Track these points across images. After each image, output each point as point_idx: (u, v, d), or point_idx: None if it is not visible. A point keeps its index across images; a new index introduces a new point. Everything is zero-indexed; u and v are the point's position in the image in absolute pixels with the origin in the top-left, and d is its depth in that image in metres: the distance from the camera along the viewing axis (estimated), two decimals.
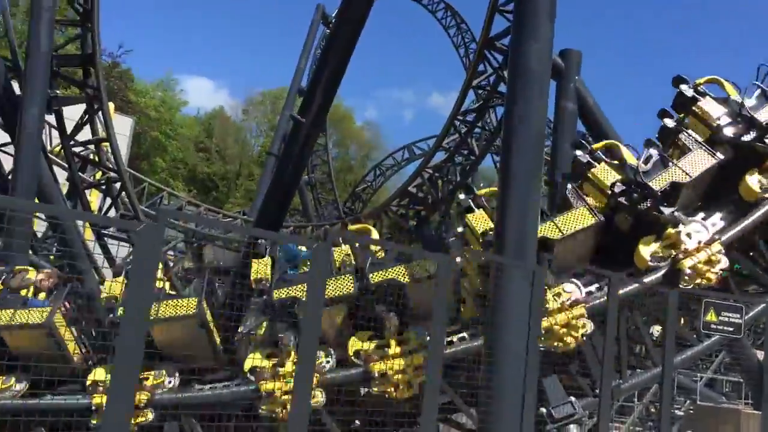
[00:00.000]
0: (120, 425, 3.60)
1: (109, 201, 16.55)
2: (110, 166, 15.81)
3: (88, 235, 17.17)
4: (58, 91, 14.81)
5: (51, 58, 13.57)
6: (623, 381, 9.09)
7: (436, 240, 16.66)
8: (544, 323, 7.80)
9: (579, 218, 9.00)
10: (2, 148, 15.21)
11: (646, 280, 8.63)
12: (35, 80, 13.12)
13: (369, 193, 34.44)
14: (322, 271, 4.82)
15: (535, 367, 6.45)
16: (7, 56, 15.11)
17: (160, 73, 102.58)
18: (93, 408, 7.28)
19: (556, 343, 8.02)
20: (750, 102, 9.98)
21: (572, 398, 8.53)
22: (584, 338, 8.17)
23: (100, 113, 14.94)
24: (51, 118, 14.83)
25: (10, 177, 14.34)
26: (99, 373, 7.49)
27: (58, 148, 18.01)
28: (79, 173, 16.10)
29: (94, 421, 7.26)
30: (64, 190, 16.72)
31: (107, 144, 15.45)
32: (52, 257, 15.79)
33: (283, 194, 11.17)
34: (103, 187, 16.46)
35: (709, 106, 10.06)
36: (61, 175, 16.76)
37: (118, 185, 16.10)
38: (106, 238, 16.72)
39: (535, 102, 7.76)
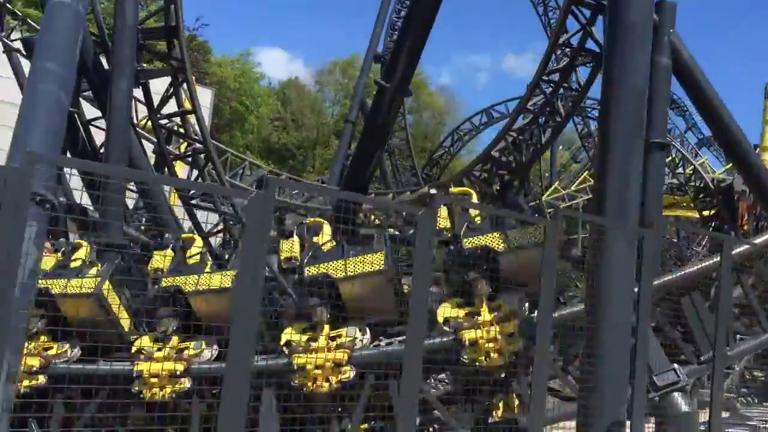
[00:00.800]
0: (238, 392, 3.60)
1: (195, 172, 16.84)
2: (196, 137, 16.06)
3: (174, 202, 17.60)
4: (144, 65, 15.05)
5: (137, 32, 13.80)
6: (729, 347, 8.70)
7: (519, 205, 16.30)
8: (470, 334, 7.41)
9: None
10: (93, 123, 15.64)
11: (758, 241, 8.18)
12: (123, 54, 13.38)
13: (446, 159, 34.10)
14: (428, 239, 4.69)
15: (646, 334, 6.18)
16: (95, 32, 15.47)
17: (235, 45, 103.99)
18: (135, 375, 7.44)
19: (480, 357, 7.48)
20: None
21: (675, 365, 8.21)
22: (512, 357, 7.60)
23: (184, 85, 15.14)
24: (137, 92, 15.13)
25: (101, 150, 14.78)
26: (144, 341, 7.65)
27: (143, 122, 18.43)
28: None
29: (136, 388, 7.45)
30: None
31: (192, 115, 15.67)
32: (142, 227, 16.24)
33: (369, 160, 11.08)
34: (189, 158, 16.75)
35: None
36: (147, 148, 17.16)
37: (202, 157, 16.35)
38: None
39: (637, 57, 7.38)
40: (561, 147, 46.31)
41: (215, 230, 16.31)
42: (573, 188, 29.56)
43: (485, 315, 7.55)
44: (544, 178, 36.79)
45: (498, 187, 16.54)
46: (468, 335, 7.48)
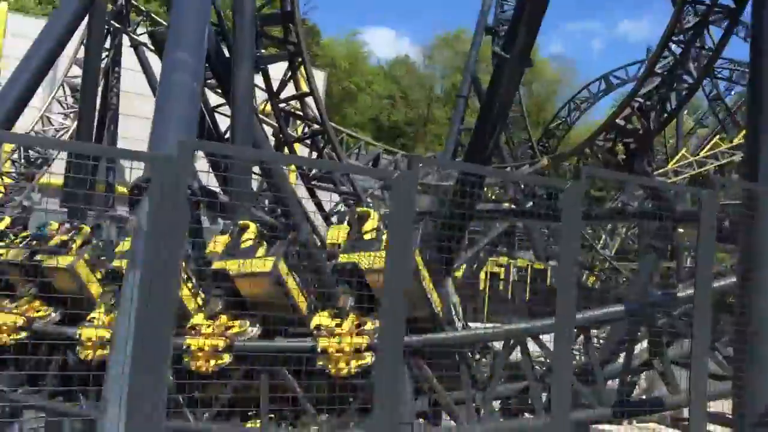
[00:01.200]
0: (392, 366, 3.56)
1: (314, 155, 17.15)
2: (314, 119, 16.32)
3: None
4: (263, 51, 15.40)
5: (255, 20, 14.09)
6: None
7: (649, 175, 15.53)
8: (323, 342, 7.12)
9: None
10: (217, 110, 16.18)
11: None
12: (243, 42, 13.70)
13: (563, 130, 33.09)
14: (578, 211, 4.46)
15: None
16: (214, 21, 15.96)
17: (342, 26, 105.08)
18: (319, 350, 7.54)
19: (330, 365, 7.20)
20: None
21: None
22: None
23: (301, 68, 15.40)
24: (257, 78, 15.50)
25: (226, 136, 15.29)
26: (322, 318, 7.75)
27: (262, 106, 18.92)
28: None
29: (320, 363, 7.55)
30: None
31: (309, 98, 15.93)
32: (265, 209, 16.71)
33: (490, 134, 10.82)
34: (308, 141, 17.07)
35: None
36: (266, 133, 17.62)
37: (320, 139, 16.61)
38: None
39: None
40: (685, 111, 43.89)
41: (335, 209, 16.55)
42: (702, 154, 27.92)
43: (344, 326, 7.29)
44: (669, 145, 34.99)
45: (624, 157, 15.82)
46: (321, 342, 7.28)
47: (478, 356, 9.48)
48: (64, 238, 9.29)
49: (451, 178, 15.52)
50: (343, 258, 7.64)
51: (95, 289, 8.62)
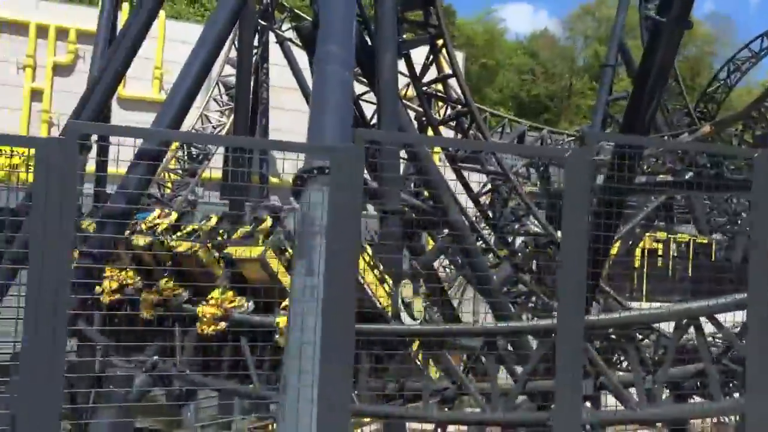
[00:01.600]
0: (572, 346, 3.47)
1: (459, 136, 17.04)
2: (457, 100, 16.20)
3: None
4: (404, 36, 15.45)
5: (396, 5, 14.13)
6: None
7: None
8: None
9: None
10: (362, 98, 16.44)
11: None
12: (385, 29, 13.80)
13: (722, 94, 30.84)
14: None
15: None
16: (356, 11, 16.18)
17: (476, 4, 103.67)
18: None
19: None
20: None
21: None
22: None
23: (443, 50, 15.30)
24: (399, 63, 15.57)
25: (372, 123, 15.51)
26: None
27: (404, 91, 19.01)
28: None
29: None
30: None
31: (453, 79, 15.82)
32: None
33: (648, 103, 10.25)
34: (452, 122, 16.98)
35: None
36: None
37: (465, 120, 16.47)
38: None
39: None
40: None
41: (484, 191, 16.40)
42: None
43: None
44: None
45: None
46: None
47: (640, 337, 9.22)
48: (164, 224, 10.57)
49: (603, 151, 14.89)
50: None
51: (285, 278, 9.22)
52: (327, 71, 7.42)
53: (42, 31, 29.50)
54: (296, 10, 24.88)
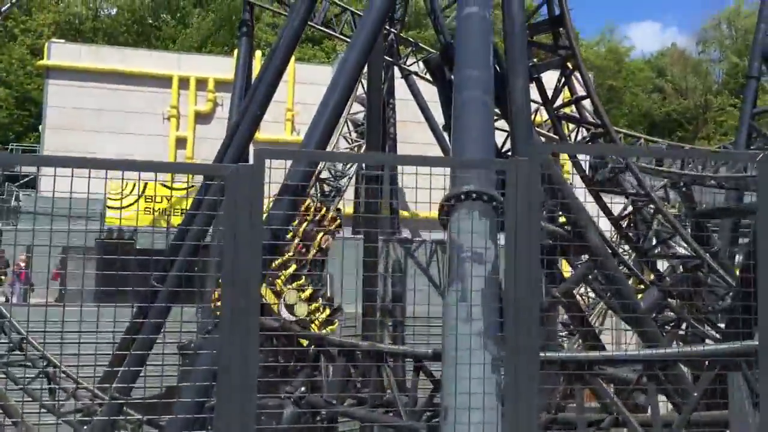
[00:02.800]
0: None
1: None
2: (592, 122, 15.74)
3: None
4: (535, 60, 15.24)
5: (525, 29, 13.99)
6: None
7: None
8: None
9: None
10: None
11: None
12: (516, 55, 13.65)
13: None
14: None
15: None
16: None
17: (599, 25, 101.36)
18: None
19: None
20: None
21: None
22: None
23: (575, 72, 14.95)
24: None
25: (503, 150, 15.35)
26: None
27: (534, 116, 18.72)
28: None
29: None
30: None
31: (587, 101, 15.40)
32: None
33: None
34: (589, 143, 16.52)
35: None
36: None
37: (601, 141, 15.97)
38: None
39: None
40: None
41: (624, 213, 15.76)
42: None
43: None
44: None
45: None
46: None
47: None
48: None
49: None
50: None
51: None
52: (467, 97, 7.41)
53: (183, 83, 31.54)
54: (419, 43, 25.19)
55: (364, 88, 28.39)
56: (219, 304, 4.00)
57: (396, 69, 25.96)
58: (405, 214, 27.72)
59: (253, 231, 3.97)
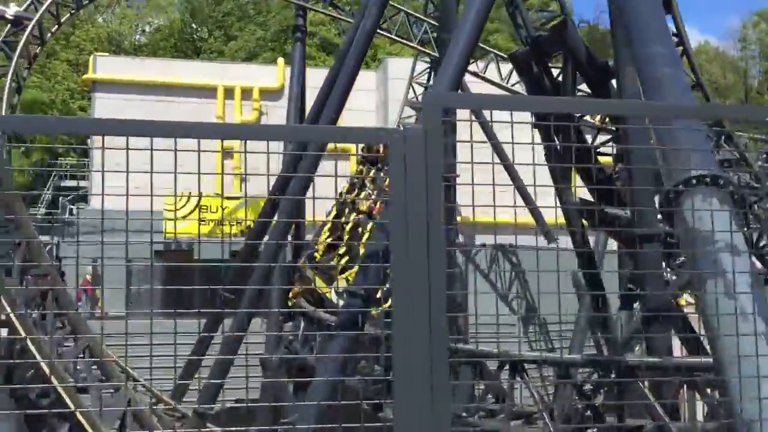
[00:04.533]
0: None
1: None
2: None
3: None
4: None
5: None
6: None
7: None
8: None
9: None
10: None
11: None
12: (623, 39, 12.95)
13: None
14: None
15: None
16: None
17: None
18: None
19: None
20: None
21: None
22: None
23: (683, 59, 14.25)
24: None
25: None
26: None
27: None
28: None
29: None
30: None
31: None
32: None
33: None
34: None
35: None
36: None
37: None
38: None
39: None
40: None
41: None
42: None
43: None
44: None
45: None
46: None
47: None
48: None
49: None
50: None
51: None
52: (663, 74, 6.66)
53: (228, 93, 31.05)
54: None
55: (415, 92, 27.77)
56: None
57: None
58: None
59: (432, 213, 3.08)
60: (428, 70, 26.18)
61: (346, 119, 30.21)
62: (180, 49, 43.07)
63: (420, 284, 3.04)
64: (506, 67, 23.93)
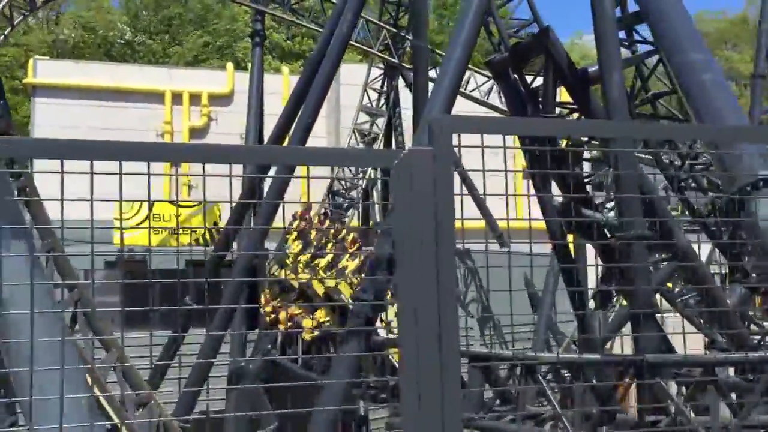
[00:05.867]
0: None
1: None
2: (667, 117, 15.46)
3: None
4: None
5: (615, 20, 13.58)
6: None
7: None
8: None
9: None
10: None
11: None
12: (608, 46, 13.20)
13: None
14: None
15: None
16: None
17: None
18: None
19: None
20: None
21: None
22: None
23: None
24: None
25: None
26: None
27: None
28: None
29: None
30: None
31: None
32: None
33: None
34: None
35: None
36: None
37: None
38: None
39: None
40: None
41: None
42: None
43: None
44: None
45: None
46: None
47: None
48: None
49: None
50: None
51: None
52: (703, 80, 6.81)
53: (176, 98, 30.24)
54: (436, 51, 24.56)
55: (369, 98, 27.84)
56: None
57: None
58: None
59: (442, 236, 2.93)
60: (382, 76, 26.43)
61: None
62: (120, 53, 41.73)
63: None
64: (481, 79, 24.35)
